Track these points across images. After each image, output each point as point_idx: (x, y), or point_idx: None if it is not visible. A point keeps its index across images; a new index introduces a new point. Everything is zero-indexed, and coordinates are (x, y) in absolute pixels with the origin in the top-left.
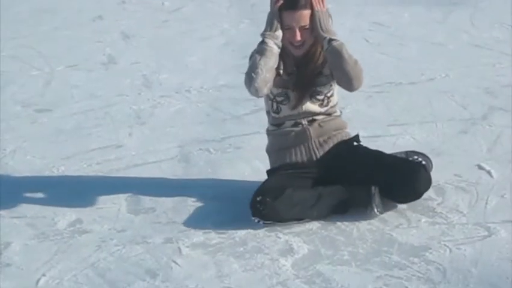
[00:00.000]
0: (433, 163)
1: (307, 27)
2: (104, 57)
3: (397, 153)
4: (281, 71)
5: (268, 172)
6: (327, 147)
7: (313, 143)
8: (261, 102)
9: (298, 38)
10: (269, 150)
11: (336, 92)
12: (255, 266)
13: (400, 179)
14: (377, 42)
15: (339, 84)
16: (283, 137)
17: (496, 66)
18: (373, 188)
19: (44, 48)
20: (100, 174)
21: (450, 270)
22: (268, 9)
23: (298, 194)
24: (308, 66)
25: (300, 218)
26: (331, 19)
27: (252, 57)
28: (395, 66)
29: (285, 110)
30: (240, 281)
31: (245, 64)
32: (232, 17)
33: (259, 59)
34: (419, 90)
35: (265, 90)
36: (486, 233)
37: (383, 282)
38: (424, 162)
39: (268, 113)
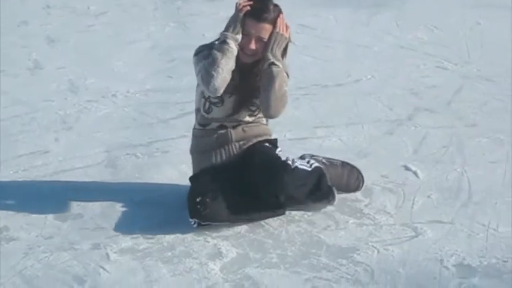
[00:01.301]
0: (358, 163)
1: (264, 39)
2: (29, 62)
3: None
4: None
5: (191, 179)
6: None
7: (233, 147)
8: (188, 106)
9: (253, 47)
10: (192, 151)
11: None
12: (184, 270)
13: (258, 180)
14: (303, 44)
15: (259, 104)
16: (205, 138)
17: (420, 67)
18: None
19: None
20: (27, 180)
21: (378, 271)
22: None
23: (235, 195)
24: (252, 78)
25: (237, 220)
26: (286, 50)
27: (209, 54)
28: (321, 68)
29: (216, 112)
30: (169, 285)
31: (171, 68)
32: (158, 20)
33: (221, 58)
34: (345, 92)
35: (223, 90)
36: (413, 234)
37: (312, 284)
38: (290, 163)
39: (197, 110)
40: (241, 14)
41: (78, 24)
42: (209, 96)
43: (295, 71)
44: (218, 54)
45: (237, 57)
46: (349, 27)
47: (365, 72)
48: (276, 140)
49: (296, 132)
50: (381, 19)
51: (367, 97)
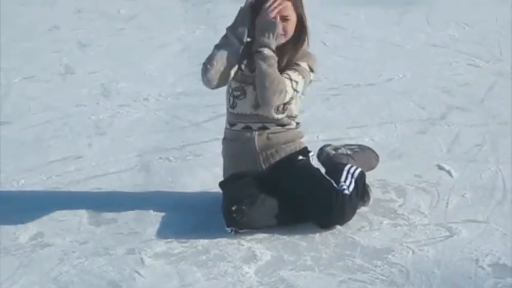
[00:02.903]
0: (392, 163)
1: (288, 18)
2: (60, 68)
3: (351, 145)
4: (243, 66)
5: (221, 184)
6: (273, 161)
7: (260, 157)
8: (220, 108)
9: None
10: (222, 153)
11: (296, 103)
12: (218, 274)
13: (314, 208)
14: (334, 44)
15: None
16: (232, 141)
17: (452, 65)
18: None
19: (0, 60)
20: (60, 186)
21: (413, 271)
22: None
23: (271, 200)
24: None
25: (273, 225)
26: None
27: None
28: (353, 68)
29: (240, 106)
30: None
31: None
32: (188, 23)
33: (217, 52)
34: (377, 91)
35: (217, 82)
36: (448, 233)
37: (346, 286)
38: (346, 192)
39: (226, 109)
40: (247, 5)
41: (109, 28)
42: (232, 91)
43: (327, 71)
44: (215, 48)
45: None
46: (380, 25)
47: (397, 71)
48: (306, 148)
49: (329, 133)
50: (412, 17)
51: (399, 96)
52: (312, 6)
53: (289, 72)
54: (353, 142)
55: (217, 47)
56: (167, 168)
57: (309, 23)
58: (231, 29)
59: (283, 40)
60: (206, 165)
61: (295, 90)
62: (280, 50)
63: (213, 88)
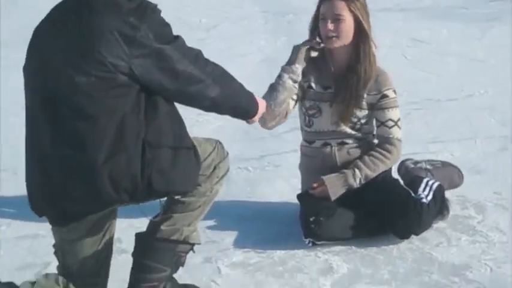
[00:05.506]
0: (471, 179)
1: (342, 18)
2: None
3: (432, 161)
4: (313, 84)
5: (299, 197)
6: None
7: (339, 170)
8: (296, 119)
9: (329, 26)
10: (300, 168)
11: (372, 123)
12: (295, 285)
13: (392, 216)
14: (416, 58)
15: None
16: (312, 158)
17: None
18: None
19: None
20: None
21: None
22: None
23: (348, 212)
24: (347, 84)
25: (351, 237)
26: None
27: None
28: (434, 83)
29: (317, 124)
30: None
31: None
32: (269, 33)
33: (270, 94)
34: (459, 106)
35: (274, 124)
36: None
37: None
38: (424, 201)
39: (301, 128)
40: (302, 45)
41: (190, 37)
42: (306, 110)
43: (408, 85)
44: (268, 90)
45: (328, 65)
46: (463, 41)
47: (478, 87)
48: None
49: (409, 147)
50: (495, 33)
51: (480, 112)
52: (394, 20)
53: (390, 114)
54: (433, 157)
55: (270, 88)
56: (246, 178)
57: (391, 37)
58: (284, 67)
59: (337, 43)
60: (285, 176)
61: (400, 127)
62: (340, 56)
63: (269, 129)
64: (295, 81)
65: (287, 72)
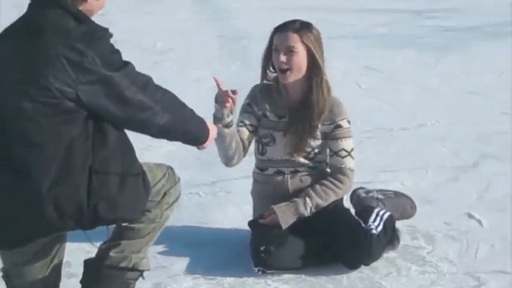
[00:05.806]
0: (422, 210)
1: (295, 51)
2: None
3: (385, 191)
4: (267, 113)
5: (250, 224)
6: None
7: (291, 198)
8: (252, 146)
9: (281, 58)
10: (252, 194)
11: (326, 152)
12: None
13: (341, 246)
14: (370, 87)
15: None
16: (264, 185)
17: (487, 112)
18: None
19: None
20: None
21: None
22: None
23: (299, 241)
24: (302, 115)
25: (301, 267)
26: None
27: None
28: (387, 112)
29: (270, 152)
30: None
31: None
32: (224, 58)
33: (220, 153)
34: (411, 136)
35: (235, 162)
36: (476, 283)
37: None
38: (374, 232)
39: (255, 155)
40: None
41: (145, 61)
42: (260, 138)
43: (361, 114)
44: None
45: (284, 95)
46: (417, 69)
47: (430, 117)
48: None
49: (360, 175)
50: (448, 62)
51: (432, 142)
52: (348, 48)
53: (343, 144)
54: (384, 186)
55: (218, 147)
56: (197, 203)
57: (345, 64)
58: (214, 119)
59: (291, 77)
60: (236, 202)
61: (353, 157)
62: (294, 88)
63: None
64: (227, 124)
65: (219, 122)
